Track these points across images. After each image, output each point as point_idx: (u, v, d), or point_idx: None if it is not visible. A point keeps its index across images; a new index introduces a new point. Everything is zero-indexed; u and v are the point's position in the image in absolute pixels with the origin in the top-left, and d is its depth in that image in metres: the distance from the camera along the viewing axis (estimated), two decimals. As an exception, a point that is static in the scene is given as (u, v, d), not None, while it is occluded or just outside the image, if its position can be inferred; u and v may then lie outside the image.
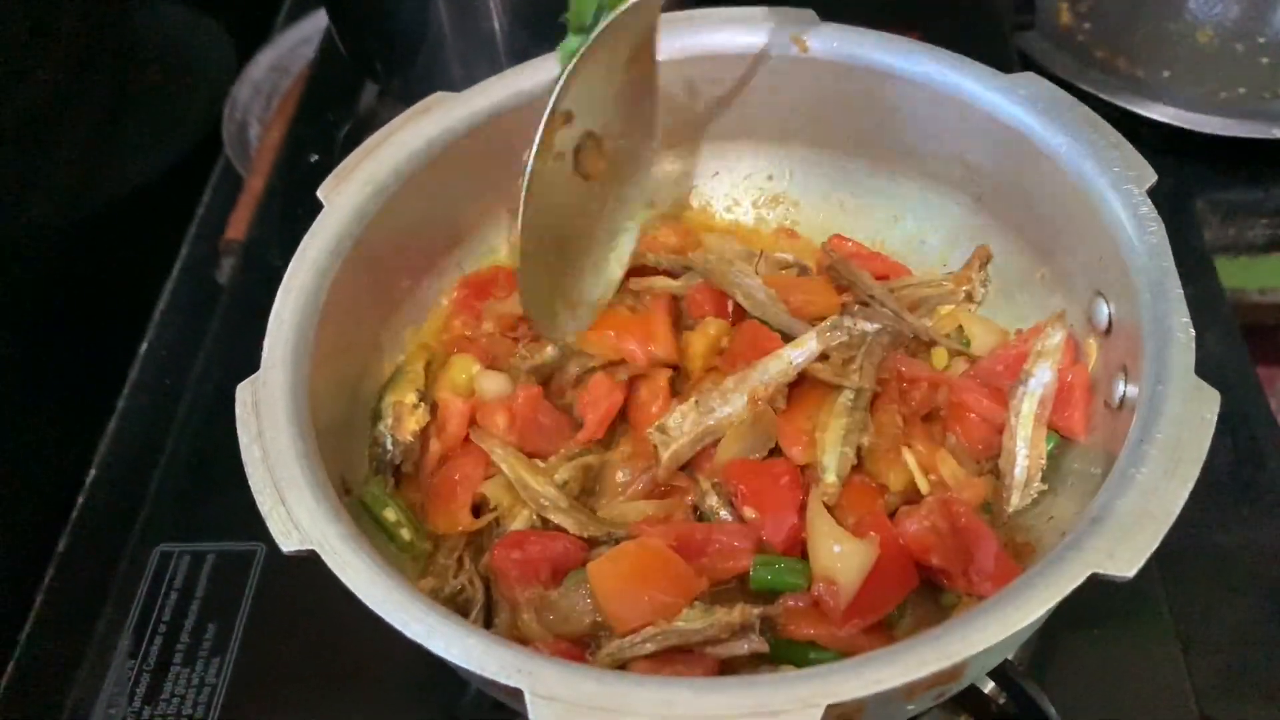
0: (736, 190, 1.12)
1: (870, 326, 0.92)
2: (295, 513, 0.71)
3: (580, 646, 0.80)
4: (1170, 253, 0.79)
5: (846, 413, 0.89)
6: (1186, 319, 0.75)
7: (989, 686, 0.85)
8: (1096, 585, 0.64)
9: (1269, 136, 1.42)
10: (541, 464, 0.91)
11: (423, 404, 0.93)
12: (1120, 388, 0.81)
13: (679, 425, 0.89)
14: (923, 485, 0.87)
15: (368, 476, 0.90)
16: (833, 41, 0.97)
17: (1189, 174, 1.46)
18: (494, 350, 0.98)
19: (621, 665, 0.76)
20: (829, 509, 0.83)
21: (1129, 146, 0.85)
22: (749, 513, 0.85)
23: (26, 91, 1.33)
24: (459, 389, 0.95)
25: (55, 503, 1.21)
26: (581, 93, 0.85)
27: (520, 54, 1.01)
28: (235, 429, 0.77)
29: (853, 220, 1.07)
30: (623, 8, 0.81)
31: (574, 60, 0.82)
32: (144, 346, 1.37)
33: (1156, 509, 0.66)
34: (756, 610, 0.77)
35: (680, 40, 0.99)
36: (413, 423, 0.91)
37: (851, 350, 0.91)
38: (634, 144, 0.95)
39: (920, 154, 1.01)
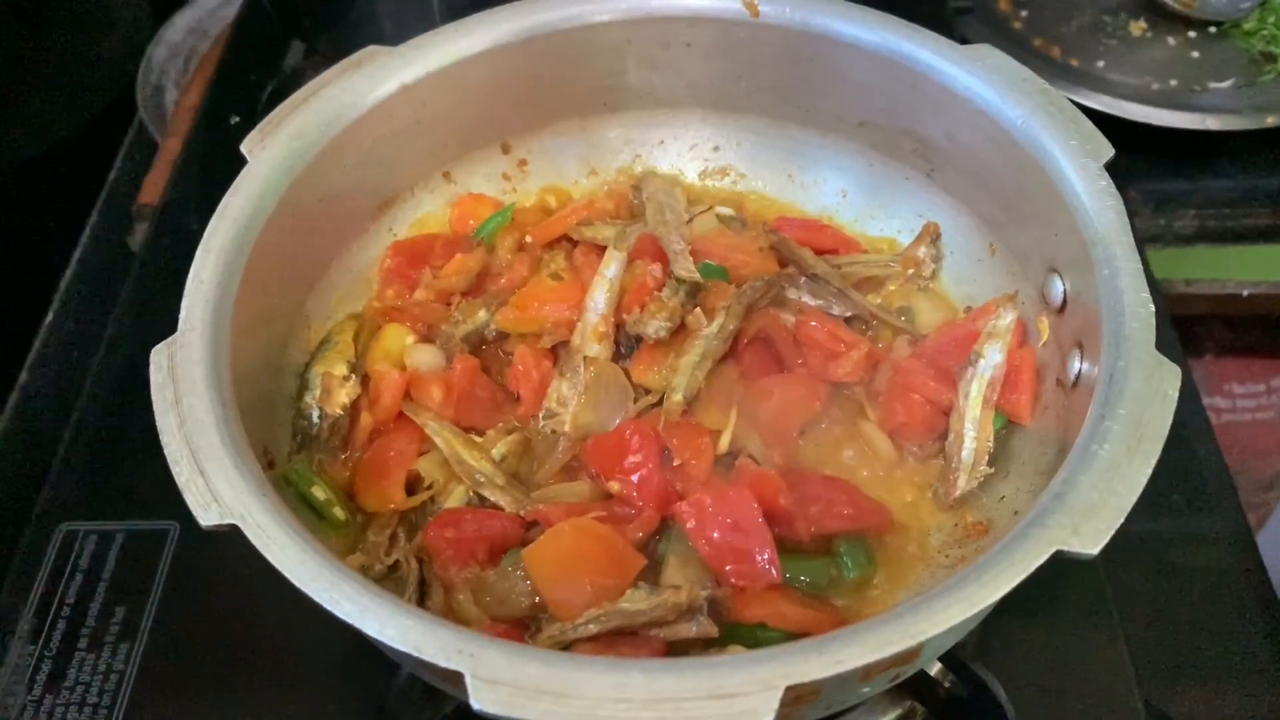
0: (682, 160, 1.09)
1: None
2: (215, 484, 0.67)
3: (519, 629, 0.76)
4: (1129, 228, 0.78)
5: (705, 342, 0.88)
6: (1147, 294, 0.74)
7: (935, 669, 0.84)
8: (1047, 566, 0.63)
9: (1200, 128, 1.44)
10: (478, 439, 0.87)
11: (353, 376, 0.89)
12: (1076, 365, 0.80)
13: (562, 398, 0.88)
14: (724, 444, 0.86)
15: (291, 451, 0.86)
16: (784, 7, 0.95)
17: (1122, 164, 1.47)
18: (427, 318, 0.94)
19: (564, 648, 0.73)
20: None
21: (1085, 120, 0.85)
22: (613, 486, 0.83)
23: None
24: (393, 360, 0.91)
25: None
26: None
27: (456, 12, 0.97)
28: (148, 401, 0.71)
29: (802, 193, 1.05)
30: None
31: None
32: (49, 317, 1.30)
33: (1120, 486, 0.65)
34: (705, 591, 0.74)
35: (627, 1, 0.96)
36: (343, 395, 0.87)
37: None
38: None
39: (871, 125, 0.99)
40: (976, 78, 0.88)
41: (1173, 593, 1.00)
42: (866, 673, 0.64)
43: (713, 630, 0.73)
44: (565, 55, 0.98)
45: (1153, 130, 1.44)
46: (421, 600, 0.79)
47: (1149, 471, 0.66)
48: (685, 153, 1.09)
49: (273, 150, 0.86)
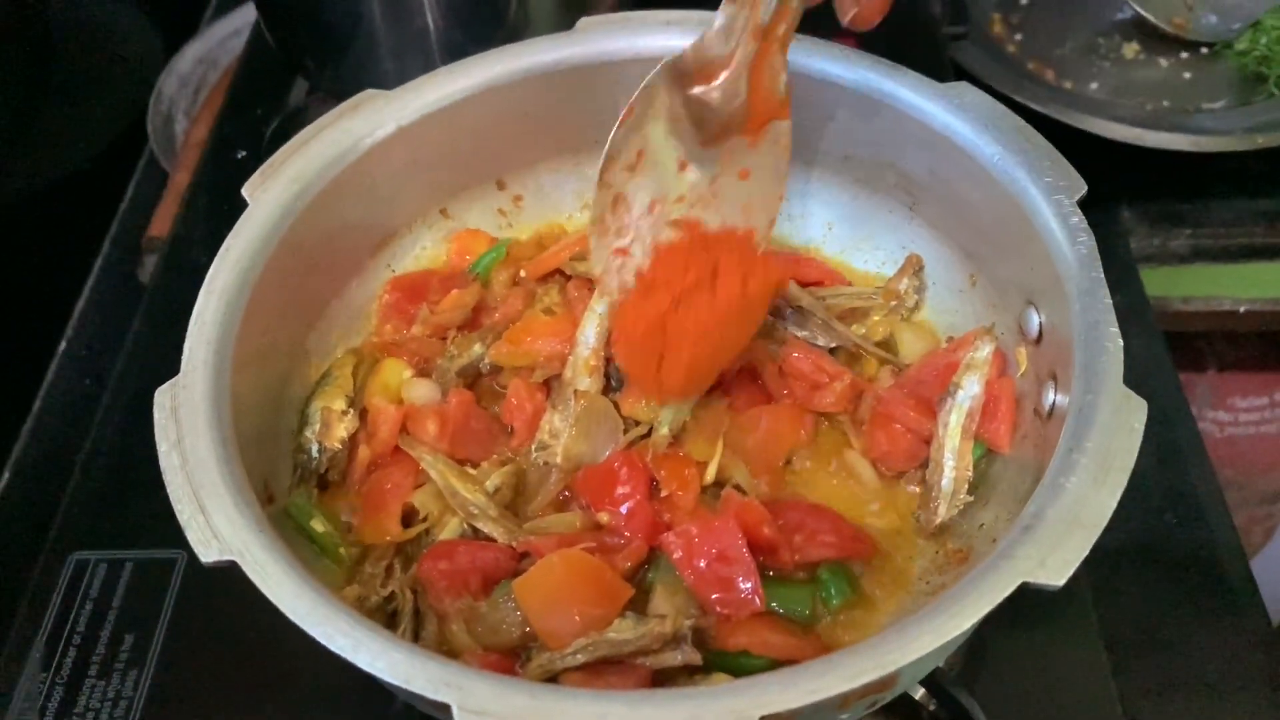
0: (672, 194, 1.10)
1: None
2: (215, 522, 0.69)
3: (511, 658, 0.78)
4: (1100, 263, 0.80)
5: None
6: (1115, 329, 0.75)
7: (919, 693, 0.86)
8: (1027, 592, 0.65)
9: (1193, 149, 1.45)
10: (473, 471, 0.90)
11: (352, 410, 0.91)
12: (1050, 396, 0.82)
13: (554, 431, 0.90)
14: (710, 474, 0.88)
15: (292, 485, 0.88)
16: (769, 47, 0.97)
17: (1116, 184, 1.50)
18: (424, 353, 0.97)
19: (552, 677, 0.75)
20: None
21: (1060, 157, 0.86)
22: (603, 517, 0.85)
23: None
24: (390, 394, 0.94)
25: (-35, 507, 1.17)
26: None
27: (454, 52, 0.99)
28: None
29: (788, 225, 1.07)
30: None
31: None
32: (62, 346, 1.33)
33: (1086, 518, 0.67)
34: (688, 620, 0.76)
35: (617, 42, 0.98)
36: (341, 429, 0.89)
37: None
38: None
39: (854, 161, 1.01)
40: (954, 115, 0.90)
41: (1162, 612, 1.02)
42: (843, 701, 0.67)
43: (696, 659, 0.75)
44: (558, 95, 1.00)
45: (1146, 151, 1.46)
46: (416, 630, 0.81)
47: (1114, 504, 0.67)
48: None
49: (273, 192, 0.88)
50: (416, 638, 0.81)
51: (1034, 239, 0.83)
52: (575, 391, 0.91)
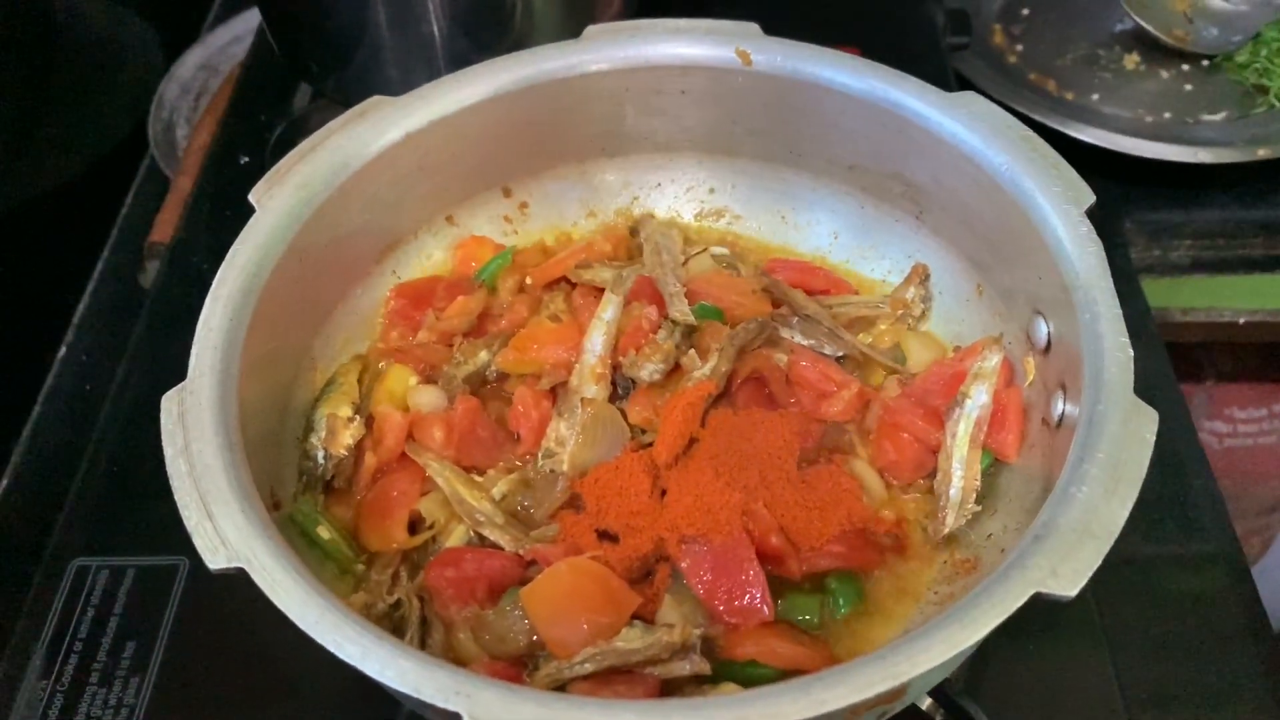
0: (679, 202, 1.11)
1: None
2: (222, 528, 0.69)
3: (518, 666, 0.78)
4: (1109, 273, 0.80)
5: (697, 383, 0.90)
6: (1125, 339, 0.75)
7: (926, 703, 0.86)
8: (1035, 602, 0.64)
9: (1193, 160, 1.45)
10: (479, 478, 0.89)
11: (358, 417, 0.91)
12: (1059, 406, 0.82)
13: (560, 438, 0.90)
14: None
15: (297, 491, 0.88)
16: (776, 55, 0.97)
17: (1117, 195, 1.50)
18: (430, 359, 0.96)
19: (560, 686, 0.75)
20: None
21: (1067, 166, 0.86)
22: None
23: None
24: (396, 401, 0.93)
25: (-36, 513, 1.16)
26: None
27: (459, 59, 1.00)
28: (159, 438, 0.74)
29: (795, 234, 1.07)
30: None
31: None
32: (62, 350, 1.32)
33: (1098, 528, 0.67)
34: (697, 630, 0.76)
35: (625, 50, 0.99)
36: (347, 436, 0.89)
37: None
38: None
39: (861, 169, 1.02)
40: (961, 124, 0.90)
41: (1165, 621, 1.01)
42: (853, 712, 0.66)
43: (705, 668, 0.75)
44: (564, 103, 1.00)
45: (1147, 162, 1.46)
46: (423, 638, 0.81)
47: (1126, 514, 0.67)
48: (682, 195, 1.11)
49: (280, 199, 0.88)
50: (423, 646, 0.81)
51: (1041, 248, 0.84)
52: (582, 399, 0.90)
